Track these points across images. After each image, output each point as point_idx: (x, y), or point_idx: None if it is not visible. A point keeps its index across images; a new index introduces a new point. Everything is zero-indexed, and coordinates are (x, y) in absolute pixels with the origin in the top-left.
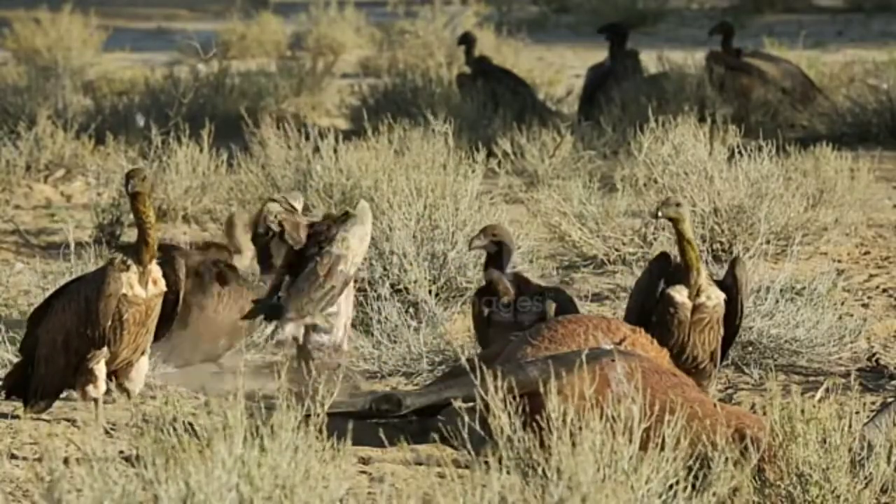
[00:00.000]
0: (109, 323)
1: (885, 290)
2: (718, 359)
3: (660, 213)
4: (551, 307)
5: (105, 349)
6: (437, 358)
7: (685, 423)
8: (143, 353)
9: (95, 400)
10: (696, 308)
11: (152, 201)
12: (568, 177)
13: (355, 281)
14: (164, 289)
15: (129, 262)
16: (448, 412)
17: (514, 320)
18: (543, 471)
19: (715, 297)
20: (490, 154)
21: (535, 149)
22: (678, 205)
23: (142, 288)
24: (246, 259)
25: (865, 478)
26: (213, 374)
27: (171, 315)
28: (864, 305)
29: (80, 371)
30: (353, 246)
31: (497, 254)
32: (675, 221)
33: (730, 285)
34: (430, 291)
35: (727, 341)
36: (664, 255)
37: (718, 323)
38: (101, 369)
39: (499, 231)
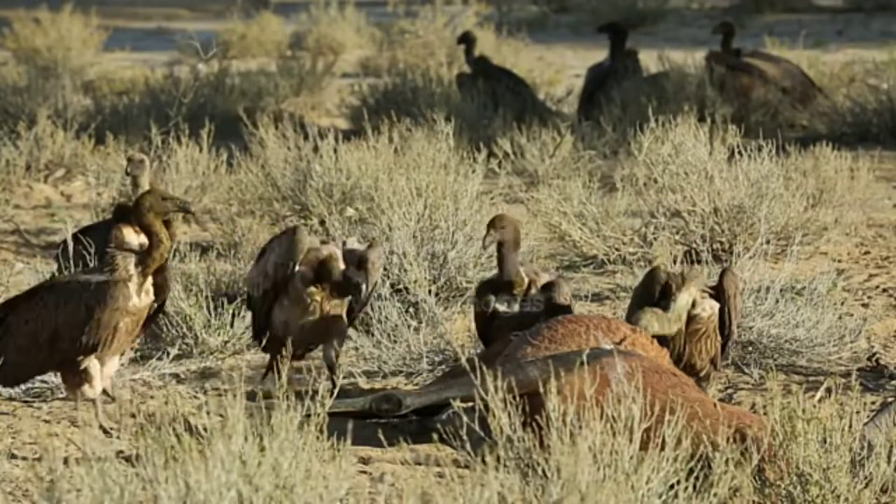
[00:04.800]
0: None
1: (885, 290)
2: (719, 362)
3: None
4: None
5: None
6: (437, 358)
7: (685, 423)
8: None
9: (93, 400)
10: (690, 319)
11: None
12: (568, 177)
13: None
14: (153, 297)
15: (132, 272)
16: (448, 412)
17: (521, 315)
18: (543, 471)
19: (709, 308)
20: (490, 154)
21: (535, 149)
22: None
23: (138, 298)
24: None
25: (865, 478)
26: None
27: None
28: (864, 305)
29: (74, 372)
30: None
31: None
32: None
33: (719, 296)
34: (430, 291)
35: (722, 347)
36: (656, 270)
37: (715, 332)
38: (95, 367)
39: (506, 221)
